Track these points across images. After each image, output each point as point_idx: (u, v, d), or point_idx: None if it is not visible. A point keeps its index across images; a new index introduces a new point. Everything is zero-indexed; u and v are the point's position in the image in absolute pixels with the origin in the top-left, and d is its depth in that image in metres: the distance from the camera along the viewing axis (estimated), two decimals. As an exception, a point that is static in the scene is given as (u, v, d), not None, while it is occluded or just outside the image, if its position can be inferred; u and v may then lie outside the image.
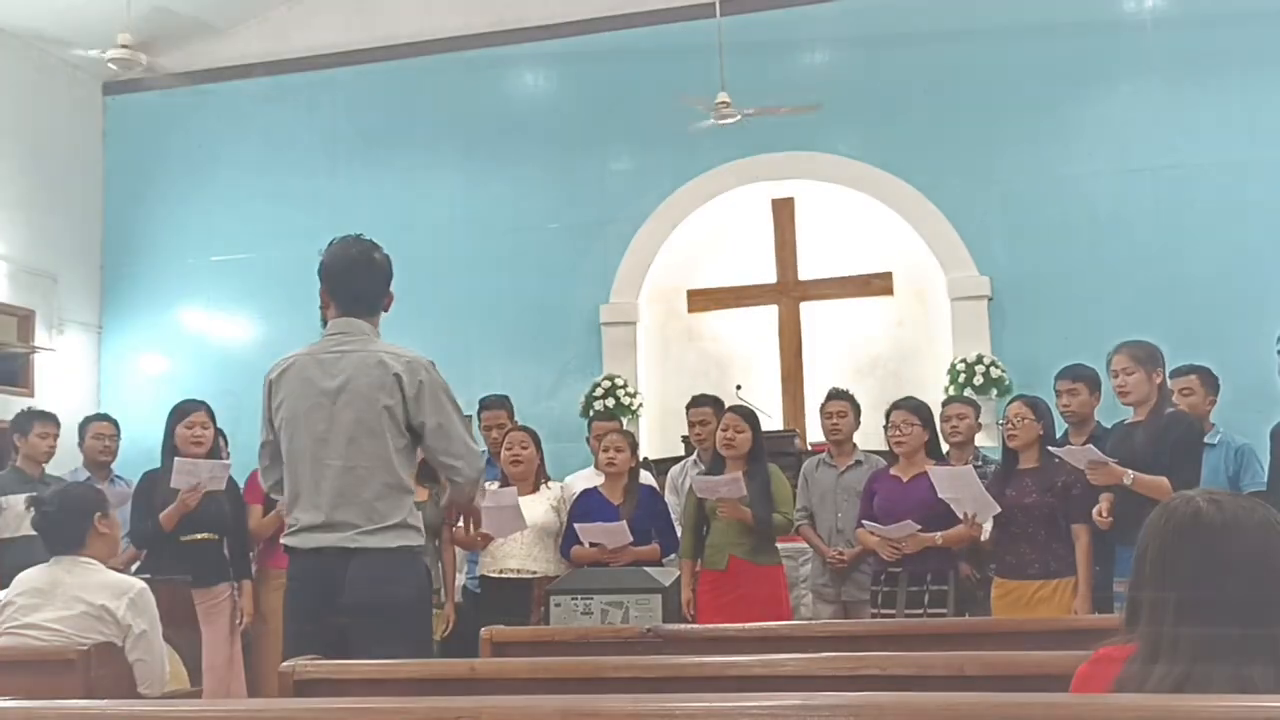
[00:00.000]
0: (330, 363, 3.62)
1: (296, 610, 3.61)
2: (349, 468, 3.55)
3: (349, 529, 3.53)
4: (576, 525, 5.55)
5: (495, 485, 5.74)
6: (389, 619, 3.49)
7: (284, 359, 3.73)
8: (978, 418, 6.05)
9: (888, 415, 5.60)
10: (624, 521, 5.51)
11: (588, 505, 5.68)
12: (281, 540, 3.72)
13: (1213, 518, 1.82)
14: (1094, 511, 4.78)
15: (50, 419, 6.25)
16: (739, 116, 8.08)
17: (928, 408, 5.64)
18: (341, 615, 3.49)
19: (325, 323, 3.76)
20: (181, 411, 5.61)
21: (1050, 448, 4.98)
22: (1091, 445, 4.84)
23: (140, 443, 6.70)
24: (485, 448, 6.52)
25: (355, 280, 3.71)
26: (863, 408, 6.22)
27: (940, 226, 8.74)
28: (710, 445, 5.85)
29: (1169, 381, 5.09)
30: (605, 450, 5.79)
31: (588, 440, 6.90)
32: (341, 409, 3.57)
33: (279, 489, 3.77)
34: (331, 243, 3.76)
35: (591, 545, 5.52)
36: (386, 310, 3.80)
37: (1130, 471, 4.61)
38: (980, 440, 6.62)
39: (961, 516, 5.15)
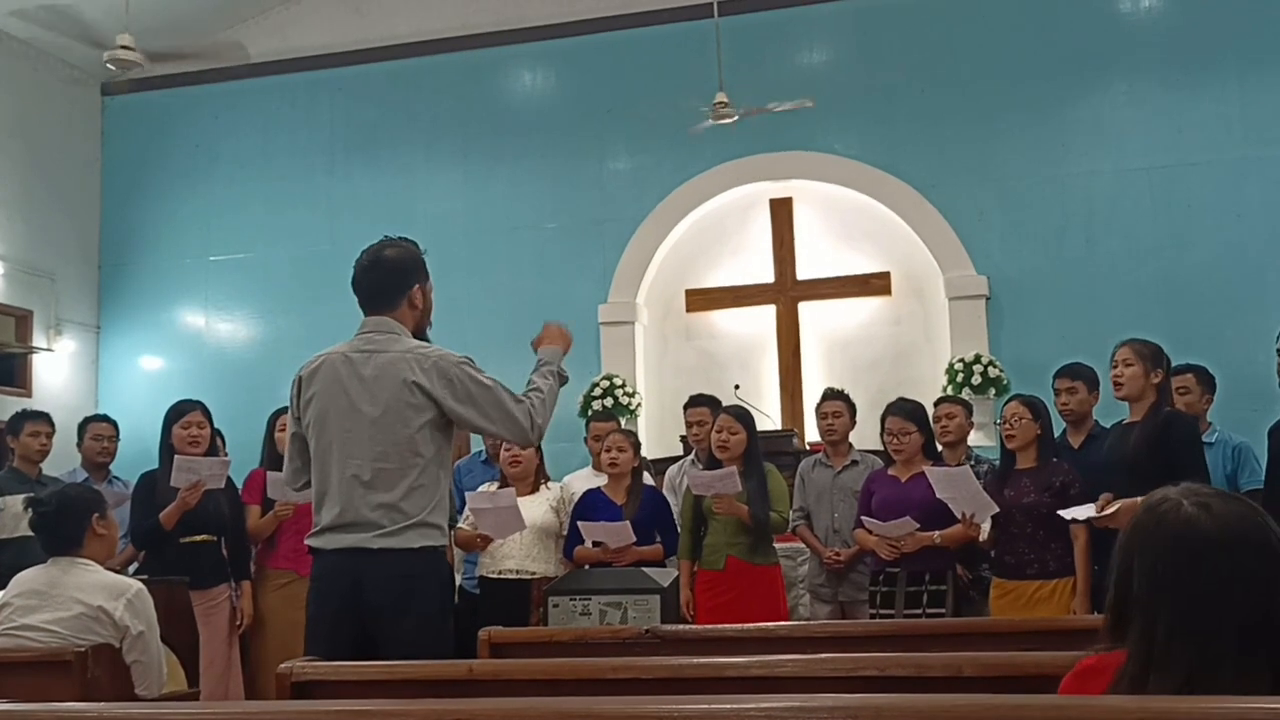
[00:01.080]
0: (360, 361, 3.62)
1: (321, 611, 3.59)
2: (374, 468, 3.54)
3: (372, 529, 3.52)
4: (580, 523, 5.54)
5: (494, 487, 5.74)
6: (413, 620, 3.49)
7: (316, 356, 3.73)
8: (969, 417, 6.03)
9: (882, 421, 5.57)
10: (627, 521, 5.50)
11: (591, 505, 5.67)
12: (306, 540, 3.70)
13: (1205, 523, 1.76)
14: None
15: (42, 418, 6.24)
16: (737, 117, 8.08)
17: (922, 409, 5.62)
18: (365, 616, 3.49)
19: None
20: (178, 411, 5.61)
21: (1060, 512, 4.94)
22: (1091, 505, 4.79)
23: (138, 443, 6.69)
24: (485, 447, 6.52)
25: (364, 282, 3.74)
26: (861, 407, 6.22)
27: (938, 226, 8.74)
28: (708, 445, 5.85)
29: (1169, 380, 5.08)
30: (608, 450, 5.78)
31: (586, 440, 6.90)
32: (368, 408, 3.57)
33: (307, 488, 3.78)
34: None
35: (594, 544, 5.52)
36: (417, 305, 3.76)
37: (1139, 500, 4.58)
38: (978, 440, 6.63)
39: (960, 516, 5.14)
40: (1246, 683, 1.67)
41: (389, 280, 3.73)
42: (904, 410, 5.54)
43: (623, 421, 8.05)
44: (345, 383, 3.61)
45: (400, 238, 3.83)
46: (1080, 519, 4.81)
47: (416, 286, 3.76)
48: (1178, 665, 1.71)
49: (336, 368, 3.64)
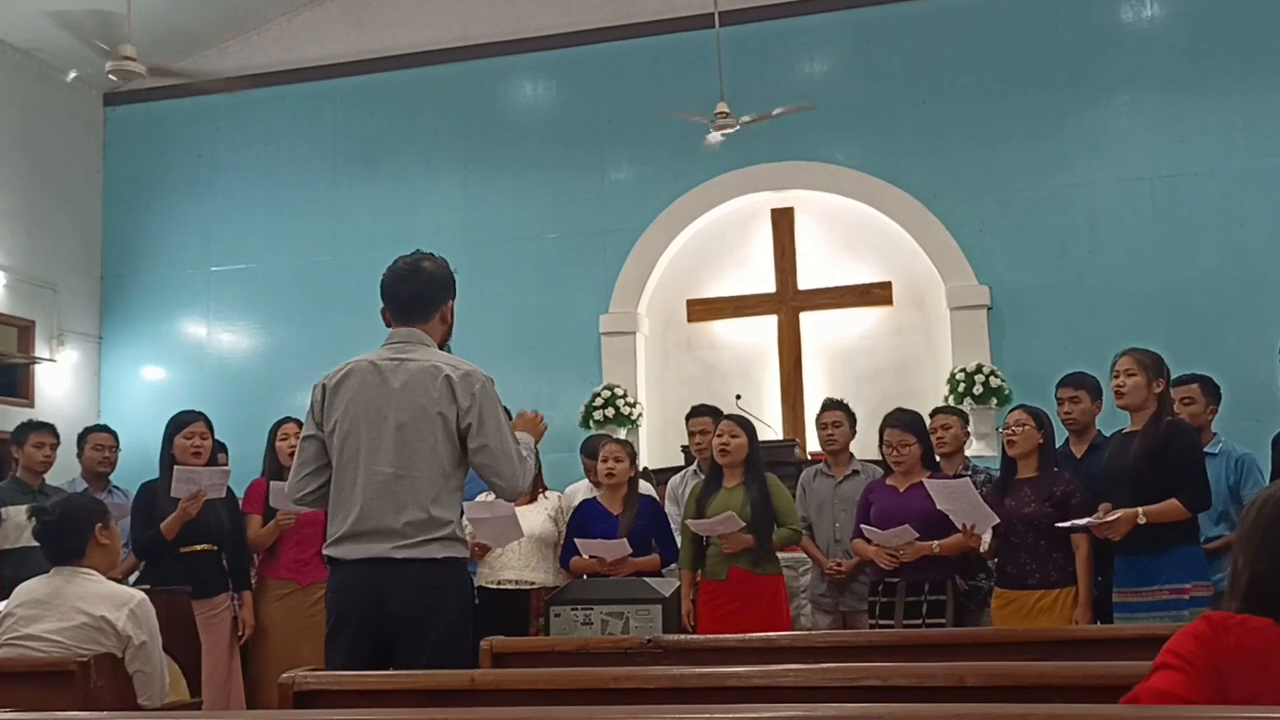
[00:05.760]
0: (389, 370, 3.62)
1: (343, 622, 3.55)
2: (399, 476, 3.53)
3: (395, 539, 3.50)
4: (576, 541, 5.53)
5: (491, 496, 5.74)
6: (437, 632, 3.48)
7: (343, 365, 3.71)
8: (965, 427, 6.02)
9: (881, 432, 5.56)
10: (624, 538, 5.49)
11: (587, 515, 5.67)
12: (324, 551, 3.66)
13: None
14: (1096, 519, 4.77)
15: (47, 429, 6.23)
16: (738, 126, 8.09)
17: (920, 419, 5.59)
18: (388, 628, 3.48)
19: None
20: (180, 422, 5.60)
21: (1058, 524, 4.93)
22: (1092, 519, 4.78)
23: (140, 453, 6.70)
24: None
25: (401, 291, 3.74)
26: (862, 418, 6.21)
27: (939, 236, 8.75)
28: (709, 455, 5.84)
29: (1170, 390, 5.08)
30: (604, 461, 5.78)
31: (581, 457, 6.81)
32: (396, 416, 3.56)
33: (313, 498, 3.71)
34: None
35: (591, 556, 5.51)
36: (446, 321, 3.80)
37: (1140, 510, 4.61)
38: (980, 450, 6.62)
39: (960, 528, 5.13)
40: None
41: (428, 293, 3.75)
42: (902, 421, 5.51)
43: (623, 432, 8.05)
44: (374, 391, 3.60)
45: (429, 253, 3.83)
46: (1080, 524, 4.81)
47: (450, 302, 3.81)
48: None
49: (365, 376, 3.63)
